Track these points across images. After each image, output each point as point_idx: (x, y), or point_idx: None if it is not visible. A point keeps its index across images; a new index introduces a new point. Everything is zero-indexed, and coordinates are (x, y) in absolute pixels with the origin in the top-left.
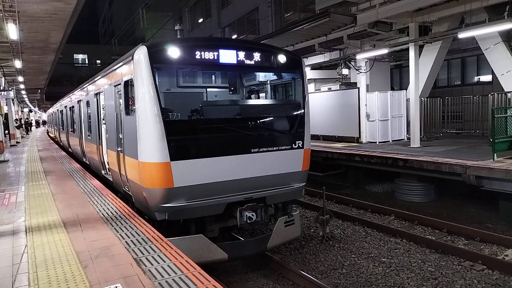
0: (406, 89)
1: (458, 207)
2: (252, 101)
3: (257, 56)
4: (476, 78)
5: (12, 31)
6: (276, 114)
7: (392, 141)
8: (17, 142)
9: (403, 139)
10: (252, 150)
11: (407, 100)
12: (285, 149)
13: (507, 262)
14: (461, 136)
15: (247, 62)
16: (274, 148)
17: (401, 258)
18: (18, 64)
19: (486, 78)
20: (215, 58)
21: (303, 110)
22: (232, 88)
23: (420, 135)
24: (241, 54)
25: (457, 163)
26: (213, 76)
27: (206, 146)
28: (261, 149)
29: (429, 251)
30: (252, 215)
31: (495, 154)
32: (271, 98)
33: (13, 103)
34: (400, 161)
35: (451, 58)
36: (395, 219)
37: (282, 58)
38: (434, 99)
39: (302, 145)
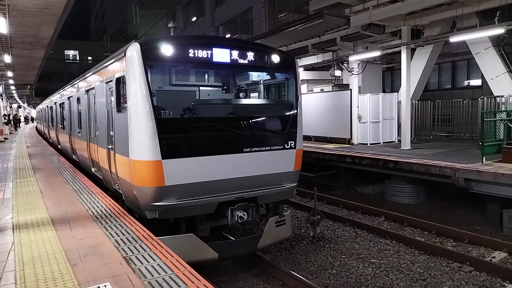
0: (398, 92)
1: (447, 209)
2: (245, 101)
3: (250, 55)
4: (466, 82)
5: (2, 25)
6: (269, 114)
7: (383, 143)
8: (5, 138)
9: (394, 141)
10: (244, 149)
11: (398, 102)
12: (277, 149)
13: (494, 264)
14: (451, 139)
15: (241, 61)
16: (267, 148)
17: (390, 259)
18: (7, 58)
19: (476, 82)
20: (209, 56)
21: (295, 111)
22: (225, 87)
23: (411, 137)
24: (235, 53)
25: (446, 166)
26: (206, 74)
27: (198, 145)
28: (253, 149)
29: (418, 252)
30: (243, 214)
31: (484, 157)
32: (264, 98)
33: (2, 99)
34: (390, 163)
35: (442, 62)
36: (385, 220)
37: (275, 58)
38: (424, 102)
39: (294, 145)
